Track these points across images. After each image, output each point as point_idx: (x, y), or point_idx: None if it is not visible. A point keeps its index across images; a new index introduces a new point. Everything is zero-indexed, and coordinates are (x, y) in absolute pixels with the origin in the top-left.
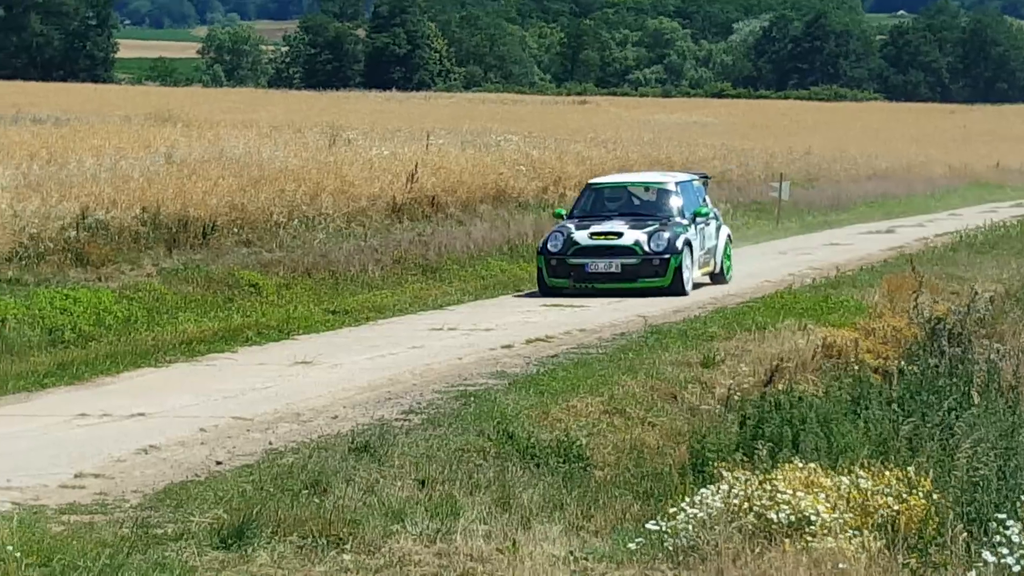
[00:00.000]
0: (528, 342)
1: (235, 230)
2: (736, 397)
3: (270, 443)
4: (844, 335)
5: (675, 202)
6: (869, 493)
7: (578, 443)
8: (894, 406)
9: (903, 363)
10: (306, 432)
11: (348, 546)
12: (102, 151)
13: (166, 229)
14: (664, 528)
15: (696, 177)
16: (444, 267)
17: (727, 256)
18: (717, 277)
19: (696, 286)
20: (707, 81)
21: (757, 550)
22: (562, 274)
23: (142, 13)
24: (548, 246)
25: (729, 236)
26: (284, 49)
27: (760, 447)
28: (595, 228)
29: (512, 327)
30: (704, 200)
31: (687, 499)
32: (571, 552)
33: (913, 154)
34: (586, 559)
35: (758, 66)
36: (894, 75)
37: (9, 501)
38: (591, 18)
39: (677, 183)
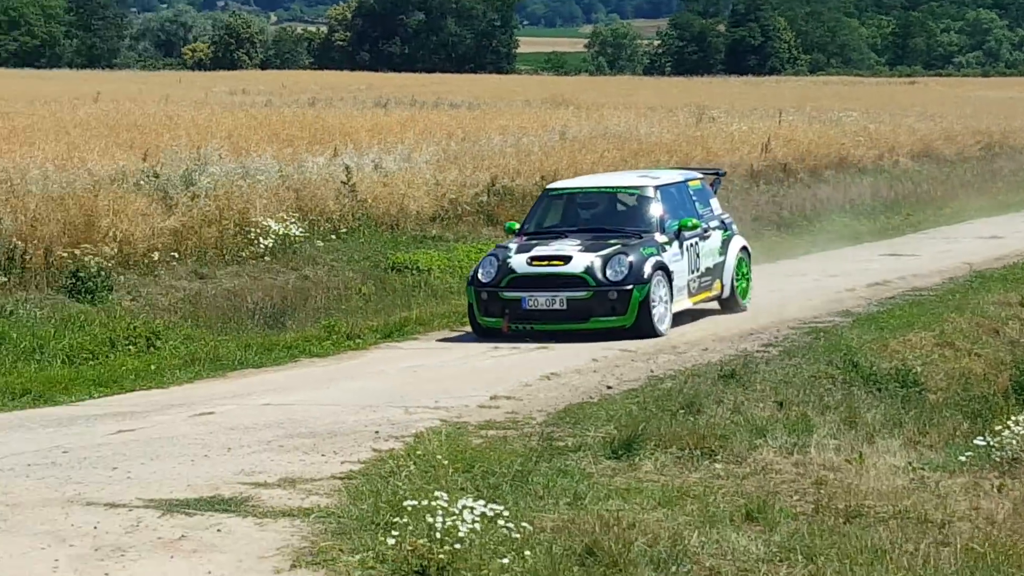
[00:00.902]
0: (868, 286)
1: None
2: None
3: (651, 371)
4: None
5: (654, 212)
6: None
7: (914, 371)
8: None
9: None
10: (681, 362)
11: (719, 457)
12: (507, 130)
13: None
14: (991, 443)
15: (695, 176)
16: (795, 223)
17: (743, 275)
18: (728, 303)
19: (691, 316)
20: (1021, 62)
21: None
22: (495, 311)
23: (538, 15)
24: (479, 275)
25: (745, 249)
26: (656, 43)
27: None
28: (538, 251)
29: (854, 274)
30: (707, 206)
31: (1011, 419)
32: (909, 463)
33: None
34: (923, 468)
35: None
36: None
37: (438, 419)
38: (919, 11)
39: (658, 187)
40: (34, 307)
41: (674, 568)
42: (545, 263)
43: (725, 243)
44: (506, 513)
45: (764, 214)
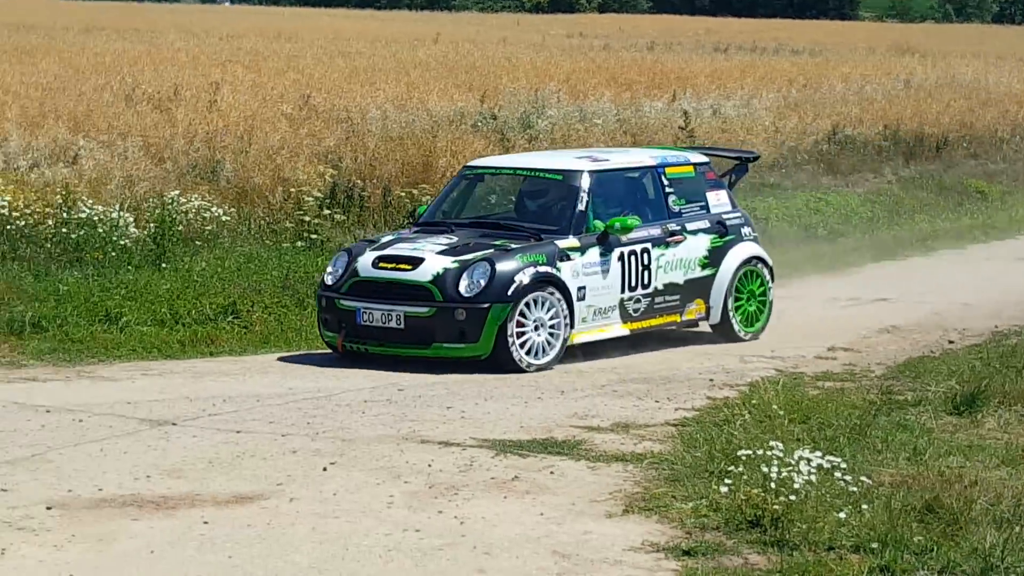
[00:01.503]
0: None
1: (964, 145)
2: None
3: (996, 326)
4: None
5: (573, 206)
6: None
7: None
8: None
9: None
10: None
11: None
12: (850, 78)
13: (904, 143)
14: None
15: (684, 160)
16: None
17: (752, 295)
18: (721, 330)
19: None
20: None
21: None
22: (332, 325)
23: None
24: (326, 276)
25: (759, 260)
26: None
27: None
28: (393, 249)
29: None
30: (697, 201)
31: None
32: None
33: None
34: None
35: None
36: None
37: (774, 368)
38: None
39: (595, 172)
40: None
41: (1017, 528)
42: (391, 266)
43: (716, 252)
44: (843, 466)
45: None
